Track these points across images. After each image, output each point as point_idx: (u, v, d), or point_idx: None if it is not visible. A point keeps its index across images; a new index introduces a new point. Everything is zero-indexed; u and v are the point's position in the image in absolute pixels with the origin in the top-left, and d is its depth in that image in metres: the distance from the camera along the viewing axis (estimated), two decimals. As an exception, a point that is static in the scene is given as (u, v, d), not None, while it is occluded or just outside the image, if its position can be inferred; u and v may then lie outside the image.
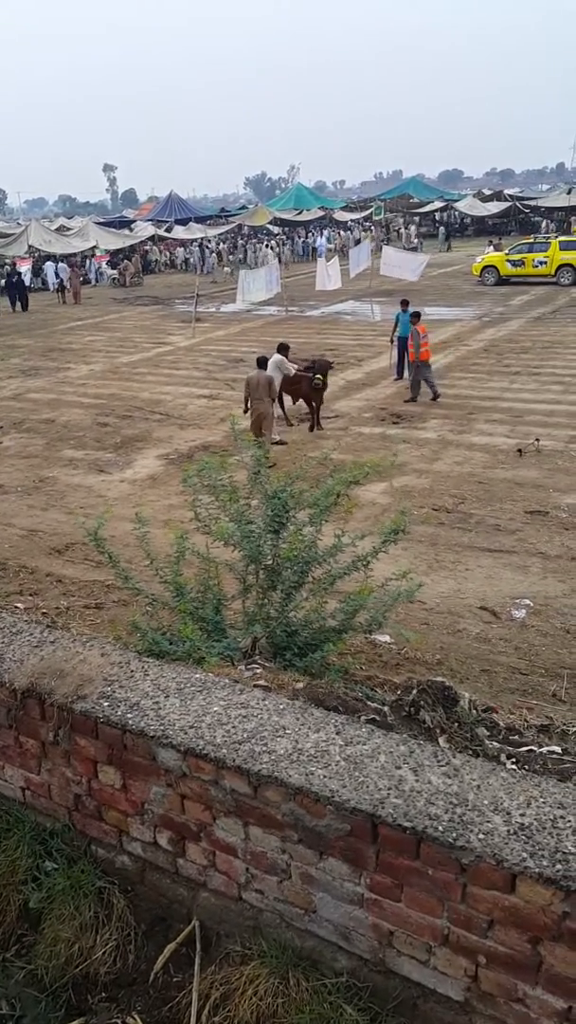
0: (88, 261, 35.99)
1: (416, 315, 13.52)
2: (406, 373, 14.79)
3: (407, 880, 2.34)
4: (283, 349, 11.69)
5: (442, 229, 45.91)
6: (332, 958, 2.59)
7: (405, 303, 14.67)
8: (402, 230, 45.81)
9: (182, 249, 41.75)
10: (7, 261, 33.49)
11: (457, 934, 2.29)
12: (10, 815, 3.36)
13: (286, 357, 11.63)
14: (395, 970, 2.46)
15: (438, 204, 52.24)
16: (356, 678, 4.30)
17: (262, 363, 10.97)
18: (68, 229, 41.60)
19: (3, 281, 30.60)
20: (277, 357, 11.52)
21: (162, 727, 2.79)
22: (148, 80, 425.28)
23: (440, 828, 2.25)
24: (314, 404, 11.88)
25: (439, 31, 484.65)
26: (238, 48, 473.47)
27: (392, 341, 14.73)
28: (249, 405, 10.58)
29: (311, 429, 11.90)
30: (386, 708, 3.51)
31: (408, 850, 2.30)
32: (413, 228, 45.88)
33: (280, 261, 29.70)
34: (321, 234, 44.43)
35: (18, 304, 28.14)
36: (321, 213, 49.83)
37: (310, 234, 45.40)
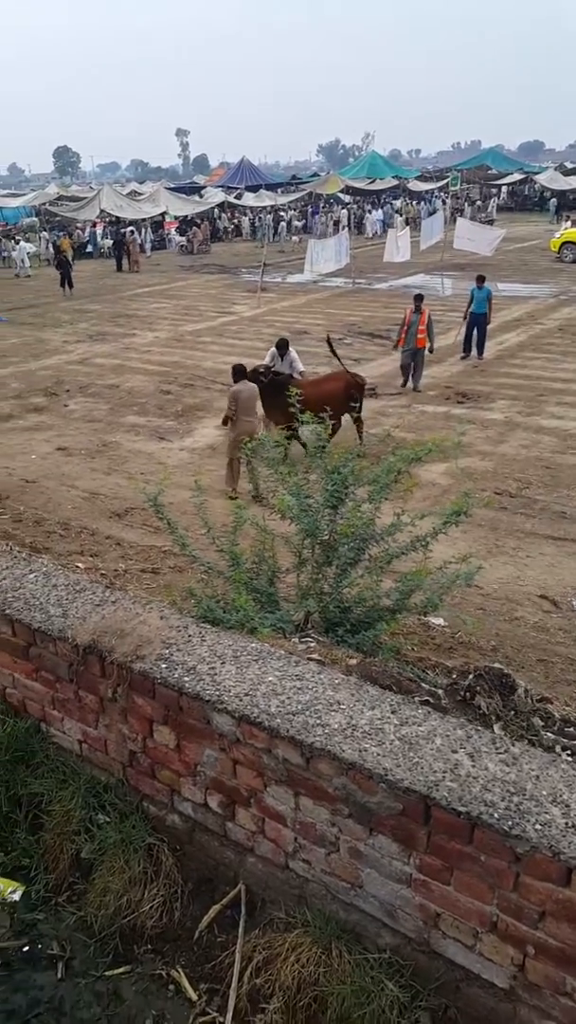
0: (144, 230, 35.89)
1: (419, 298, 12.62)
2: (474, 351, 14.41)
3: (458, 864, 2.31)
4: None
5: (553, 201, 41.97)
6: (376, 934, 2.59)
7: (481, 279, 14.22)
8: (479, 202, 43.16)
9: (246, 218, 41.17)
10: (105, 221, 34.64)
11: (506, 922, 2.25)
12: (67, 766, 3.47)
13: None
14: (439, 951, 2.44)
15: (517, 176, 49.91)
16: (407, 659, 4.25)
17: (240, 373, 8.36)
18: (139, 194, 41.66)
19: (111, 241, 32.13)
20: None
21: (218, 692, 2.81)
22: (222, 46, 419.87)
23: (496, 815, 2.21)
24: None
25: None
26: (313, 14, 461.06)
27: (465, 317, 14.33)
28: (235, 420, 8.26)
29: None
30: (440, 691, 3.46)
31: (461, 834, 2.27)
32: (493, 201, 43.75)
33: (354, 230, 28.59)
34: (379, 207, 41.09)
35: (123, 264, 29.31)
36: (395, 183, 48.25)
37: (385, 204, 43.71)
